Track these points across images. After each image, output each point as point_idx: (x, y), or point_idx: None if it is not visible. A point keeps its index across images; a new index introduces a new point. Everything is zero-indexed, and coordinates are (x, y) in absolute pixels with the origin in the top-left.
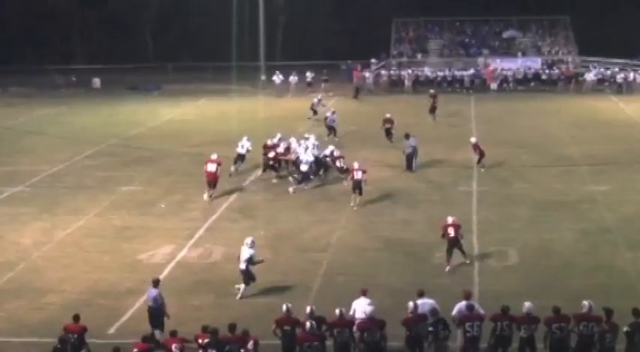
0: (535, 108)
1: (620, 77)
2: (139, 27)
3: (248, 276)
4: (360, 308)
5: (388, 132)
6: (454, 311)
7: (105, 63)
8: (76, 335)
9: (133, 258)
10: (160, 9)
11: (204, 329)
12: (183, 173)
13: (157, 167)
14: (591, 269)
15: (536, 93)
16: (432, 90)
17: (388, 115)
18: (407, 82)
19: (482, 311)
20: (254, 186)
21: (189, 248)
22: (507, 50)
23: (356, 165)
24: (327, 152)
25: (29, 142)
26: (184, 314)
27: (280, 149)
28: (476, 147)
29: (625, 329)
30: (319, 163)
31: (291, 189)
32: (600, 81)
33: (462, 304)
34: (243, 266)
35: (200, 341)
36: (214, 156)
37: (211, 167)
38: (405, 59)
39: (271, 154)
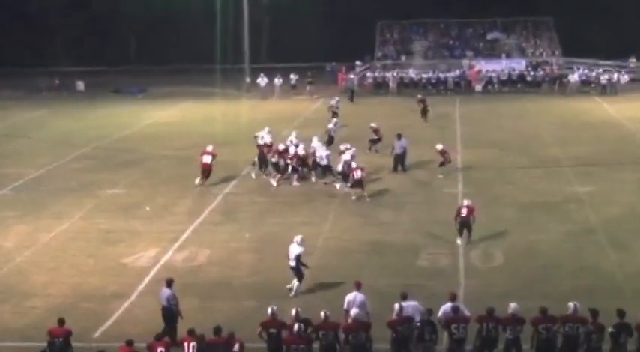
0: (520, 109)
1: (604, 78)
2: (123, 29)
3: (298, 273)
4: (354, 302)
5: (374, 141)
6: (439, 313)
7: (89, 65)
8: (61, 339)
9: (117, 262)
10: (144, 11)
11: (190, 333)
12: (167, 176)
13: (141, 170)
14: (577, 270)
15: (521, 95)
16: (419, 96)
17: (374, 125)
18: (392, 84)
19: (467, 313)
20: (239, 188)
21: (174, 251)
22: (492, 52)
23: (354, 164)
24: (348, 157)
25: (13, 146)
26: None
27: (293, 150)
28: (443, 152)
29: (610, 329)
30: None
31: (345, 189)
32: (584, 82)
33: (448, 306)
34: (293, 263)
35: (186, 344)
36: (210, 148)
37: (206, 158)
38: (389, 61)
39: (289, 151)
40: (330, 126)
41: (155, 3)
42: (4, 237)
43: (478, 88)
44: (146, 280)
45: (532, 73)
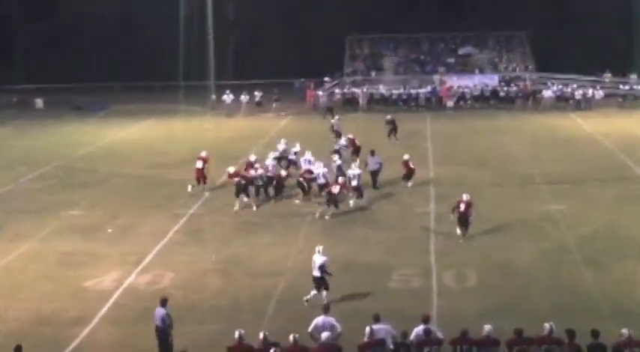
0: (493, 126)
1: (578, 94)
2: (83, 45)
3: (323, 284)
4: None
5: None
6: (412, 336)
7: (48, 82)
8: None
9: (78, 285)
10: (105, 26)
11: None
12: (130, 196)
13: (103, 190)
14: (553, 289)
15: (494, 111)
16: (388, 117)
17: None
18: (361, 101)
19: (440, 335)
20: (205, 208)
21: (138, 274)
22: (464, 67)
23: (340, 179)
24: (356, 173)
25: None
26: (132, 342)
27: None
28: (406, 163)
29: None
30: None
31: (325, 216)
32: (559, 98)
33: (420, 328)
34: (317, 273)
35: None
36: (203, 154)
37: (198, 164)
38: (359, 77)
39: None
40: (336, 146)
41: (116, 17)
42: None
43: (450, 104)
44: (108, 304)
45: (505, 89)
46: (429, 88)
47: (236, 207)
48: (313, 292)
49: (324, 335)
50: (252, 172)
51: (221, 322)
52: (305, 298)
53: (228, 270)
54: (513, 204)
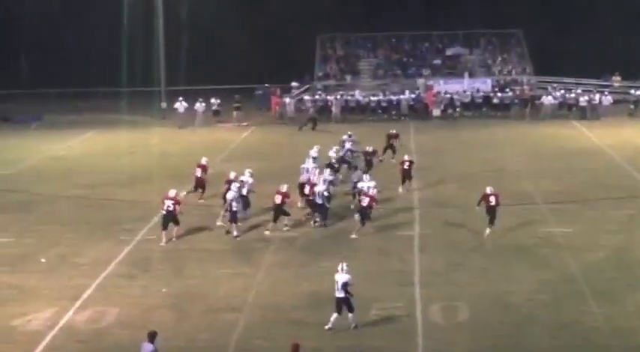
0: (486, 137)
1: (583, 100)
2: (12, 46)
3: (348, 306)
4: None
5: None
6: None
7: None
8: None
9: (5, 325)
10: (37, 28)
11: None
12: (67, 220)
13: (35, 214)
14: (555, 326)
15: (487, 120)
16: (393, 131)
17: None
18: (334, 109)
19: None
20: (155, 233)
21: (76, 311)
22: (452, 70)
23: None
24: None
25: None
26: None
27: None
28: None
29: None
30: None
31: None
32: (561, 105)
33: None
34: (341, 293)
35: None
36: (203, 161)
37: (197, 171)
38: (332, 82)
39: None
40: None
41: (50, 16)
42: None
43: (436, 112)
44: (40, 347)
45: (499, 95)
46: (412, 94)
47: (162, 242)
48: (335, 315)
49: None
50: (229, 195)
51: None
52: (327, 327)
53: (181, 305)
54: (509, 227)
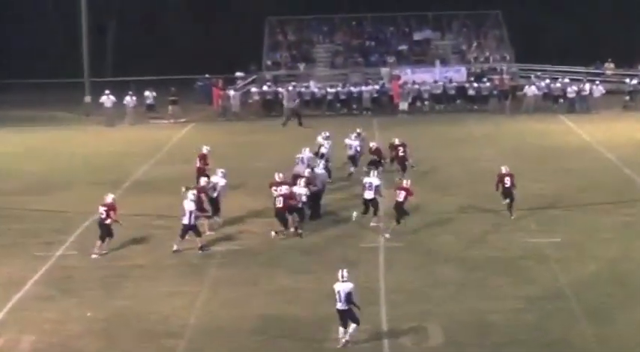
0: (460, 134)
1: (571, 91)
2: None
3: (351, 318)
4: None
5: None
6: None
7: None
8: None
9: None
10: None
11: None
12: None
13: None
14: (541, 349)
15: (462, 115)
16: (396, 140)
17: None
18: (286, 103)
19: None
20: (78, 247)
21: None
22: (421, 57)
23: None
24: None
25: None
26: None
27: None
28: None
29: None
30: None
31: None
32: (546, 96)
33: None
34: (343, 305)
35: None
36: (204, 150)
37: (198, 163)
38: (282, 71)
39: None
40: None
41: None
42: None
43: (403, 105)
44: None
45: (476, 85)
46: (375, 85)
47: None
48: (341, 330)
49: None
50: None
51: None
52: (338, 346)
53: (110, 331)
54: (489, 237)
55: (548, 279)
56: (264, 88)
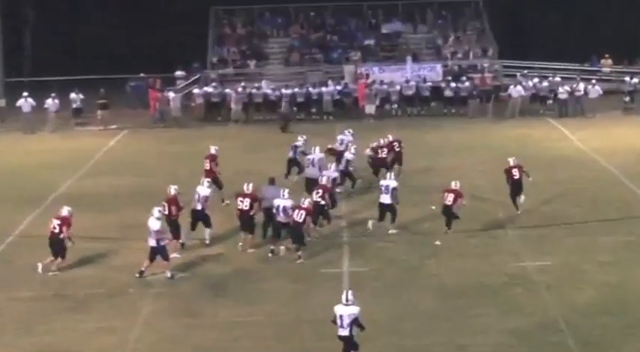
0: (436, 141)
1: (563, 91)
2: None
3: (353, 347)
4: None
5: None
6: None
7: None
8: None
9: None
10: None
11: None
12: None
13: None
14: None
15: (437, 119)
16: (389, 137)
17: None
18: (234, 106)
19: None
20: None
21: None
22: (390, 53)
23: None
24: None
25: None
26: None
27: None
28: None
29: None
30: None
31: None
32: (534, 97)
33: None
34: (346, 332)
35: None
36: (212, 150)
37: (206, 164)
38: (230, 70)
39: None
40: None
41: None
42: None
43: (370, 108)
44: None
45: (453, 85)
46: (337, 86)
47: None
48: None
49: None
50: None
51: None
52: None
53: None
54: (470, 260)
55: (538, 309)
56: (209, 89)
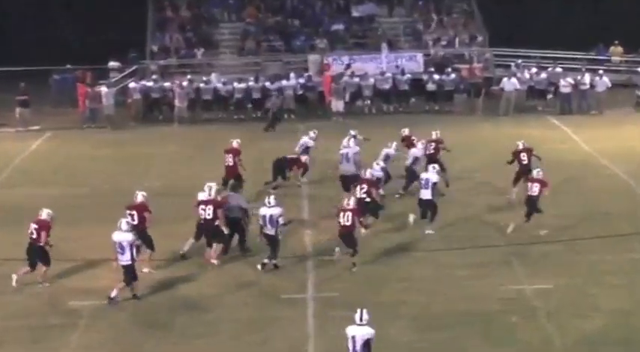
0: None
1: (566, 84)
2: None
3: None
4: None
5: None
6: None
7: None
8: None
9: None
10: None
11: None
12: None
13: None
14: None
15: (418, 117)
16: (435, 134)
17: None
18: (178, 103)
19: None
20: None
21: None
22: (362, 40)
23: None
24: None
25: None
26: None
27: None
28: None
29: None
30: None
31: None
32: (531, 91)
33: None
34: None
35: None
36: (235, 144)
37: (228, 159)
38: (173, 61)
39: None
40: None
41: None
42: None
43: (338, 105)
44: None
45: (437, 78)
46: (300, 79)
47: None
48: None
49: None
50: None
51: None
52: None
53: None
54: (458, 283)
55: (537, 340)
56: (148, 83)
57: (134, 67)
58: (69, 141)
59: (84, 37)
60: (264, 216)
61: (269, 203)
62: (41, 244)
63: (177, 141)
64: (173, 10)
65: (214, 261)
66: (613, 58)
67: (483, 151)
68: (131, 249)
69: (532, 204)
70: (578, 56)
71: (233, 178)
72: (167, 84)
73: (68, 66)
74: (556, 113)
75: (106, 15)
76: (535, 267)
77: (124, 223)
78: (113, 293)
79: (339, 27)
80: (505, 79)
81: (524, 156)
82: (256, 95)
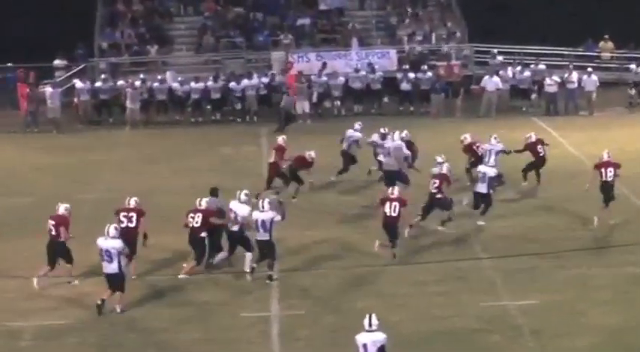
0: None
1: (552, 82)
2: None
3: None
4: None
5: None
6: None
7: None
8: None
9: None
10: None
11: None
12: None
13: None
14: None
15: (392, 119)
16: (466, 136)
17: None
18: (130, 104)
19: None
20: None
21: None
22: (330, 35)
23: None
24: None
25: None
26: None
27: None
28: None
29: None
30: None
31: None
32: (514, 91)
33: None
34: None
35: None
36: (280, 140)
37: (271, 155)
38: (125, 58)
39: None
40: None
41: None
42: None
43: (303, 106)
44: None
45: (412, 76)
46: (263, 78)
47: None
48: None
49: None
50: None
51: None
52: None
53: None
54: (434, 300)
55: None
56: (97, 82)
57: (82, 66)
58: (9, 147)
59: (26, 32)
60: (256, 221)
61: (262, 207)
62: (61, 240)
63: (128, 147)
64: (124, 3)
65: (181, 276)
66: (603, 55)
67: (461, 154)
68: (119, 257)
69: (608, 190)
70: (565, 52)
71: (276, 177)
72: (119, 83)
73: (9, 64)
74: (541, 114)
75: (51, 8)
76: (518, 282)
77: (112, 229)
78: (118, 309)
79: (305, 21)
80: (486, 78)
81: (540, 149)
82: (215, 95)
